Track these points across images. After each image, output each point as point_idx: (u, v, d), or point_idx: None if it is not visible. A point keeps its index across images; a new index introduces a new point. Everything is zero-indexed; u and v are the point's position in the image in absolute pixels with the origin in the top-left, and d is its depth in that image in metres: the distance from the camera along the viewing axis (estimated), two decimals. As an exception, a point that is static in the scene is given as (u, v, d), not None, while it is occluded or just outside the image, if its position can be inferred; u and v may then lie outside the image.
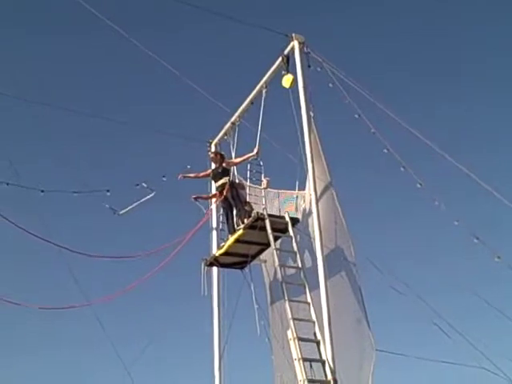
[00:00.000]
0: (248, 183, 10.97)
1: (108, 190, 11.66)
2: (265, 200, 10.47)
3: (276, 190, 11.00)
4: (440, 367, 8.96)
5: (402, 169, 9.70)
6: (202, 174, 11.34)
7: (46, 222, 11.45)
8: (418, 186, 9.59)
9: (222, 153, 11.52)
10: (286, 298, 8.95)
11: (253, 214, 10.01)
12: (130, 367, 11.43)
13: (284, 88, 10.31)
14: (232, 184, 10.79)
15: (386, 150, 9.78)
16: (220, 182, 10.78)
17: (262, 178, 10.75)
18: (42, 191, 11.17)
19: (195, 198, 11.13)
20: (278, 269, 9.40)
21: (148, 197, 11.07)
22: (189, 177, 11.18)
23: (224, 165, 11.00)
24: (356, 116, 9.87)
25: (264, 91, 11.07)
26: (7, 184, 10.75)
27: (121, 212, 11.07)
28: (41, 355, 19.36)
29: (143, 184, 11.36)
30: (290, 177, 10.86)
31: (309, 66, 10.24)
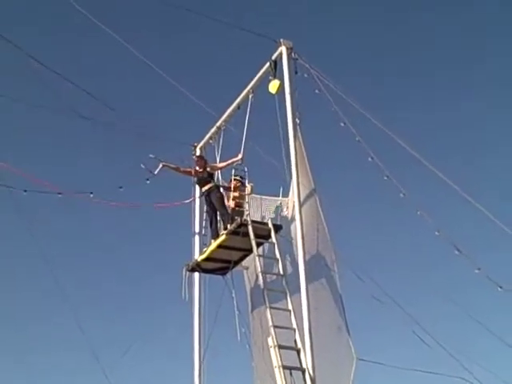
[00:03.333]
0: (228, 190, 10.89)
1: (91, 192, 11.55)
2: (248, 206, 10.39)
3: (259, 196, 10.95)
4: (420, 376, 8.95)
5: (385, 178, 9.71)
6: (182, 169, 11.19)
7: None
8: (401, 195, 9.61)
9: (205, 158, 11.45)
10: (267, 305, 8.93)
11: (235, 220, 9.97)
12: (109, 371, 11.32)
13: (270, 94, 10.29)
14: (217, 188, 10.74)
15: (370, 159, 9.78)
16: (206, 187, 10.70)
17: (246, 184, 10.68)
18: (25, 191, 11.06)
19: (163, 165, 10.93)
20: (260, 275, 9.35)
21: (158, 168, 10.92)
22: (169, 166, 11.01)
23: (208, 169, 10.92)
24: (342, 124, 9.85)
25: (251, 96, 11.03)
26: None
27: (155, 172, 10.96)
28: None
29: (142, 165, 11.22)
30: (274, 183, 10.84)
31: (296, 73, 10.23)
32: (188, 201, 11.88)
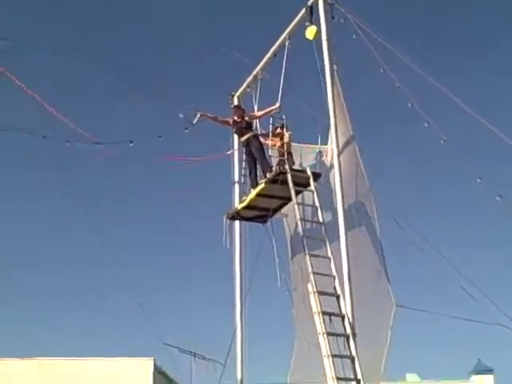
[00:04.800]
0: (270, 138, 10.87)
1: (131, 142, 11.71)
2: (286, 154, 10.38)
3: (298, 144, 10.93)
4: (458, 324, 8.98)
5: (426, 124, 9.55)
6: (220, 119, 11.19)
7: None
8: (442, 141, 9.46)
9: (243, 107, 11.41)
10: (307, 252, 9.01)
11: (274, 168, 10.00)
12: (152, 316, 11.67)
13: (307, 40, 10.12)
14: (256, 137, 10.74)
15: (410, 105, 9.62)
16: (245, 137, 10.71)
17: (285, 132, 10.65)
18: (67, 142, 11.33)
19: (201, 115, 10.96)
20: (299, 223, 9.42)
21: (197, 117, 11.01)
22: (207, 116, 11.04)
23: (246, 118, 10.90)
24: (381, 70, 9.67)
25: (287, 43, 10.88)
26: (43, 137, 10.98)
27: (193, 122, 11.10)
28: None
29: (180, 115, 11.31)
30: (313, 131, 10.78)
31: (332, 18, 10.02)
32: (229, 152, 11.94)
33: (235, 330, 11.19)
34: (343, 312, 8.53)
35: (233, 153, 11.91)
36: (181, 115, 11.23)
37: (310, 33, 10.08)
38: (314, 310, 8.58)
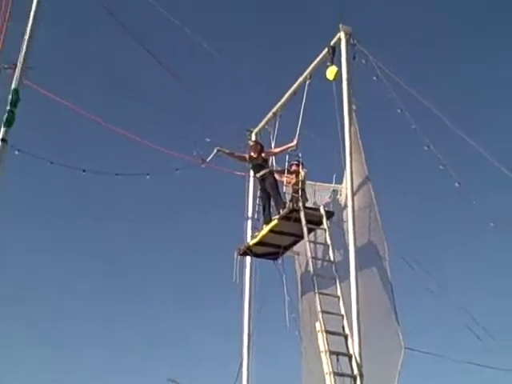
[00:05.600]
0: (285, 175, 10.91)
1: (148, 174, 11.82)
2: (300, 192, 10.40)
3: (313, 183, 10.95)
4: (468, 369, 8.80)
5: (440, 167, 9.57)
6: (237, 154, 11.27)
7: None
8: (457, 184, 9.46)
9: (262, 143, 11.50)
10: (316, 291, 8.95)
11: (288, 205, 10.02)
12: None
13: (328, 80, 10.24)
14: (272, 174, 10.78)
15: (426, 147, 9.65)
16: (261, 173, 10.77)
17: (300, 170, 10.69)
18: (84, 171, 11.34)
19: (218, 150, 11.00)
20: (310, 261, 9.38)
21: (213, 153, 11.08)
22: (224, 151, 11.13)
23: (263, 155, 10.97)
24: (398, 111, 9.75)
25: (307, 82, 11.02)
26: (51, 163, 10.97)
27: (208, 159, 11.20)
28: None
29: (195, 152, 11.41)
30: (328, 170, 10.81)
31: (354, 58, 10.15)
32: (240, 173, 12.00)
33: (241, 364, 11.04)
34: (351, 352, 8.41)
35: (246, 178, 11.94)
36: (195, 152, 11.36)
37: (331, 73, 10.21)
38: (322, 349, 8.47)
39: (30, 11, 10.00)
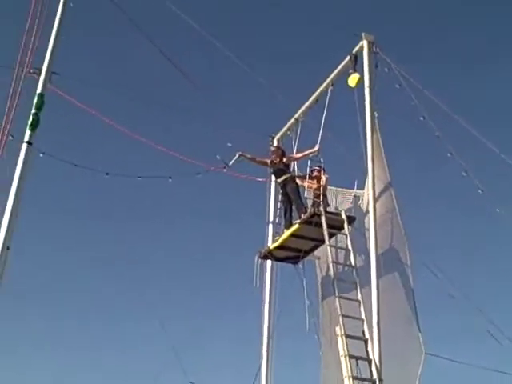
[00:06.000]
0: (306, 180, 10.99)
1: (170, 177, 11.98)
2: (322, 197, 10.48)
3: (334, 188, 11.04)
4: (491, 376, 8.79)
5: (463, 174, 9.61)
6: (258, 159, 11.41)
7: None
8: (480, 192, 9.49)
9: (283, 149, 11.61)
10: (337, 295, 9.02)
11: (309, 210, 10.11)
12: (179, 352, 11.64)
13: (349, 87, 10.34)
14: (293, 179, 10.89)
15: (449, 154, 9.71)
16: (282, 178, 10.88)
17: (322, 175, 10.78)
18: (107, 174, 11.49)
19: (240, 155, 11.15)
20: (331, 265, 9.45)
21: (235, 158, 11.20)
22: (245, 156, 11.27)
23: (284, 160, 11.08)
24: (421, 118, 9.81)
25: (330, 89, 11.12)
26: (75, 165, 11.12)
27: (230, 164, 11.36)
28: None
29: (217, 156, 11.60)
30: (349, 176, 10.89)
31: (376, 66, 10.23)
32: (261, 179, 12.12)
33: (259, 368, 11.11)
34: (370, 357, 8.46)
35: (268, 183, 12.06)
36: (218, 156, 11.53)
37: (353, 80, 10.30)
38: (341, 353, 8.53)
39: (54, 18, 10.28)
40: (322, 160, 10.89)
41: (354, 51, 10.55)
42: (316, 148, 10.82)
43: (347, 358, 8.42)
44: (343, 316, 8.79)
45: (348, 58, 10.60)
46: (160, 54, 11.71)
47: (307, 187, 10.92)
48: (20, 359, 18.89)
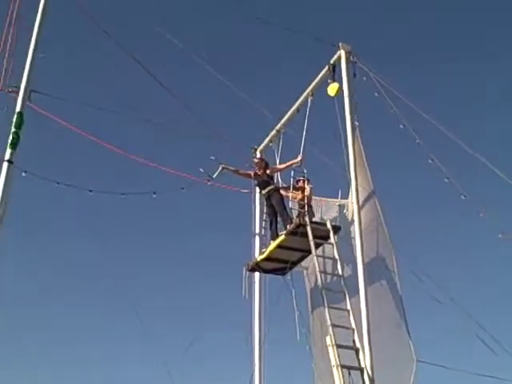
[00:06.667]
0: (291, 191, 11.02)
1: (154, 193, 11.93)
2: (307, 207, 10.51)
3: (318, 198, 11.07)
4: (482, 380, 8.84)
5: (446, 180, 9.68)
6: (242, 172, 11.42)
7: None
8: (463, 197, 9.56)
9: (266, 160, 11.63)
10: (326, 305, 9.02)
11: (294, 221, 10.13)
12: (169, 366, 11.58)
13: (329, 96, 10.40)
14: (277, 190, 10.90)
15: (430, 161, 9.78)
16: (266, 190, 10.89)
17: (306, 186, 10.80)
18: (91, 191, 11.43)
19: (223, 168, 11.14)
20: (319, 275, 9.46)
21: (218, 170, 11.15)
22: (228, 169, 11.26)
23: (268, 172, 11.10)
24: (401, 126, 9.89)
25: (310, 99, 11.17)
26: (57, 183, 11.03)
27: (214, 176, 11.36)
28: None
29: (200, 169, 11.60)
30: (333, 185, 10.93)
31: (354, 75, 10.31)
32: (245, 191, 12.14)
33: (250, 381, 11.08)
34: (362, 365, 8.47)
35: (252, 194, 12.12)
36: (201, 169, 11.52)
37: (332, 90, 10.38)
38: (333, 363, 8.52)
39: (31, 35, 10.22)
40: (305, 170, 10.94)
41: (331, 61, 10.64)
42: (299, 158, 10.85)
43: (339, 367, 8.41)
44: (333, 326, 8.79)
45: (326, 67, 10.68)
46: (142, 68, 11.73)
47: (292, 198, 10.94)
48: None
